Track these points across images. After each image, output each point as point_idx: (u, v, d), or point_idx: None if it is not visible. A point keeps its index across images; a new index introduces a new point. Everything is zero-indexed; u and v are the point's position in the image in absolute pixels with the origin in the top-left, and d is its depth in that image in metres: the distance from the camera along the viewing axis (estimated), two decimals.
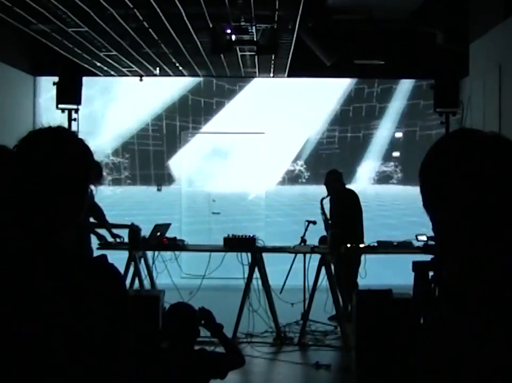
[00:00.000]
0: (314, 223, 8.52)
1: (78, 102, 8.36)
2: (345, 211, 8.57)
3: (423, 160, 1.48)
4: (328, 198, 8.70)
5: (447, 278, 1.45)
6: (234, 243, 7.90)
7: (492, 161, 1.40)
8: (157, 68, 11.05)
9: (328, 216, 8.72)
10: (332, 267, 8.13)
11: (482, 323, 1.33)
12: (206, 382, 3.64)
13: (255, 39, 8.64)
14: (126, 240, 8.13)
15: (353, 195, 8.80)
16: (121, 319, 1.71)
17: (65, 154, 1.75)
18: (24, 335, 1.63)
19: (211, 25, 8.22)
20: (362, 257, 8.56)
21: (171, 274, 8.50)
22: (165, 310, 3.83)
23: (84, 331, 1.64)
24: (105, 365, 1.67)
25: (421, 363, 1.36)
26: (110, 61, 10.55)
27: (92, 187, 7.57)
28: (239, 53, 9.69)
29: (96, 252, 7.87)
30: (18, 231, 1.72)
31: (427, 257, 7.28)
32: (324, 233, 8.56)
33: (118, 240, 8.17)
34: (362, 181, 11.89)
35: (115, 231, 8.31)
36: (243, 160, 11.79)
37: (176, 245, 8.19)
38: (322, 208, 8.66)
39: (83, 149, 1.80)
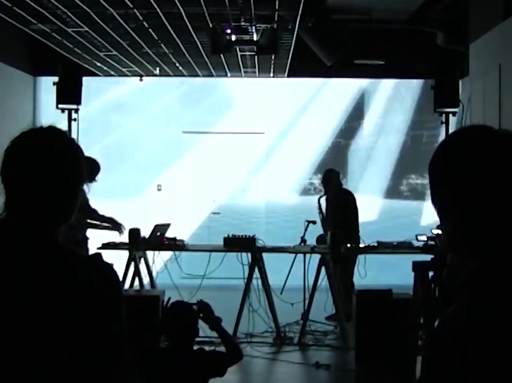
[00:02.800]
0: (314, 223, 8.53)
1: (78, 102, 8.37)
2: (341, 212, 8.58)
3: (432, 157, 1.47)
4: (325, 197, 8.71)
5: (461, 274, 1.43)
6: (234, 243, 7.90)
7: (503, 157, 1.39)
8: (157, 68, 11.05)
9: (326, 214, 8.73)
10: (332, 266, 8.14)
11: None
12: (206, 381, 3.64)
13: (255, 39, 8.63)
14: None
15: (349, 195, 8.82)
16: (115, 316, 1.72)
17: (56, 153, 1.75)
18: (21, 332, 1.63)
19: (211, 25, 8.21)
20: (362, 257, 8.56)
21: (171, 274, 8.50)
22: (164, 304, 3.81)
23: (80, 327, 1.65)
24: (99, 362, 1.67)
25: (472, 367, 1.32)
26: (110, 61, 10.55)
27: (86, 187, 7.58)
28: (239, 53, 9.68)
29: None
30: (13, 230, 1.72)
31: (427, 257, 7.29)
32: (322, 232, 8.58)
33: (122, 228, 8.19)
34: None
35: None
36: (243, 160, 11.79)
37: (176, 245, 8.19)
38: (320, 207, 8.67)
39: (74, 148, 1.81)
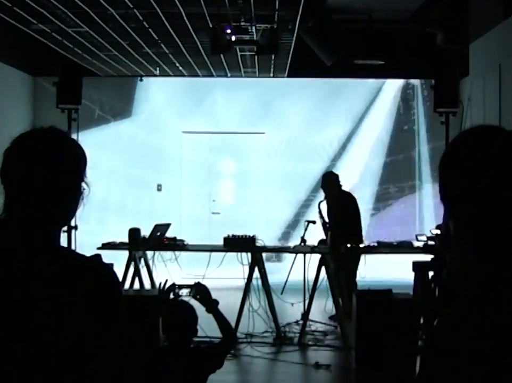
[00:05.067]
0: (314, 223, 8.53)
1: (78, 102, 8.36)
2: (342, 214, 8.58)
3: (443, 154, 1.48)
4: (325, 200, 8.72)
5: (462, 271, 1.43)
6: (234, 243, 7.90)
7: (506, 158, 1.40)
8: (157, 68, 11.05)
9: (326, 219, 8.73)
10: (332, 267, 8.14)
11: None
12: (205, 378, 3.64)
13: (255, 39, 8.63)
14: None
15: (349, 197, 8.83)
16: (115, 317, 1.72)
17: (56, 155, 1.75)
18: (19, 333, 1.63)
19: (211, 25, 8.21)
20: (362, 257, 8.57)
21: (171, 274, 8.49)
22: (161, 287, 3.80)
23: (79, 328, 1.65)
24: (99, 362, 1.67)
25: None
26: (110, 61, 10.55)
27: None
28: (239, 53, 9.69)
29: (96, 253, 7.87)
30: (13, 231, 1.72)
31: (427, 257, 7.29)
32: (324, 237, 8.57)
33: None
34: None
35: None
36: (243, 160, 11.79)
37: (176, 245, 8.19)
38: (320, 212, 8.68)
39: (75, 148, 1.80)
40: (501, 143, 1.42)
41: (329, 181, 8.71)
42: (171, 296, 3.74)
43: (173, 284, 3.78)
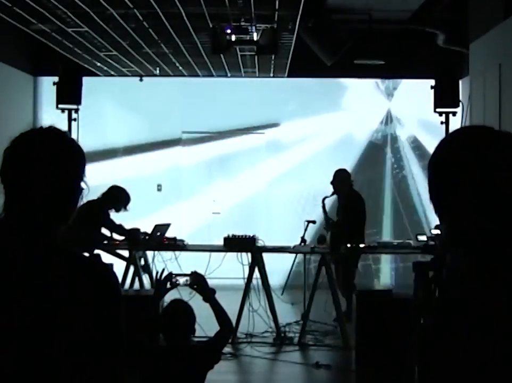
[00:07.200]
0: (314, 222, 8.51)
1: (78, 102, 8.37)
2: (347, 213, 8.54)
3: (434, 153, 1.47)
4: (336, 197, 8.64)
5: (457, 272, 1.43)
6: (234, 243, 7.90)
7: (497, 158, 1.40)
8: (157, 68, 11.05)
9: (336, 214, 8.67)
10: (333, 267, 8.13)
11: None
12: (204, 375, 3.64)
13: (255, 39, 8.63)
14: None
15: (358, 197, 8.77)
16: (113, 317, 1.72)
17: (55, 154, 1.75)
18: (17, 331, 1.63)
19: (211, 25, 8.22)
20: (362, 256, 8.55)
21: None
22: (158, 276, 3.80)
23: (77, 327, 1.65)
24: (97, 362, 1.68)
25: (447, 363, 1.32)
26: (110, 61, 10.55)
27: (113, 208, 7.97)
28: (239, 53, 9.69)
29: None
30: (12, 230, 1.72)
31: (427, 257, 7.29)
32: (322, 232, 8.53)
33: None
34: None
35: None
36: (243, 160, 11.78)
37: (176, 245, 8.19)
38: (324, 207, 8.63)
39: (74, 148, 1.81)
40: (490, 144, 1.42)
41: (341, 179, 8.58)
42: (168, 285, 3.73)
43: (170, 273, 3.76)
